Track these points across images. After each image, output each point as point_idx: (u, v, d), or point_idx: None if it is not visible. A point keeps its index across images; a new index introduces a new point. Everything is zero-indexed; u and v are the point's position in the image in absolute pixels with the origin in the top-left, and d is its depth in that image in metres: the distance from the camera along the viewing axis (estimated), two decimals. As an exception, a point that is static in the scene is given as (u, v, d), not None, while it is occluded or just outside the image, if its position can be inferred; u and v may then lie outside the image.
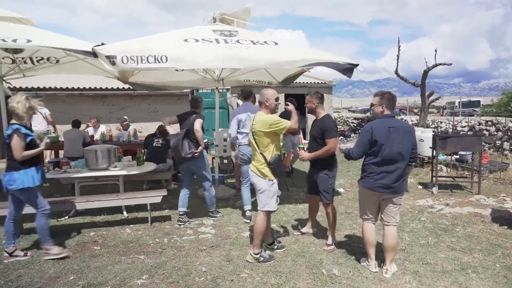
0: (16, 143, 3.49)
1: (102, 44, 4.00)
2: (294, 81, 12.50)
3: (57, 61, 5.60)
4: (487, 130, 10.29)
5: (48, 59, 5.53)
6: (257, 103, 4.36)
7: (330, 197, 3.99)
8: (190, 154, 4.69)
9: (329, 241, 4.07)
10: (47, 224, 3.79)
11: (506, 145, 9.21)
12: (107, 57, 3.75)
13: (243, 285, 3.26)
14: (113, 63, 3.75)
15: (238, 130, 5.11)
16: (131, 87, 7.84)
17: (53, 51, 4.75)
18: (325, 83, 14.53)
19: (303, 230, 4.49)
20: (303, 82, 14.14)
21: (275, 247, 3.97)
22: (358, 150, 3.40)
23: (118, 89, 11.01)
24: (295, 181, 7.34)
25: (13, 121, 3.56)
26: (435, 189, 6.47)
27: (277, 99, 3.72)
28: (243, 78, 7.47)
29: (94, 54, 3.85)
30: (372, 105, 3.49)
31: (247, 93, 5.36)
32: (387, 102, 3.37)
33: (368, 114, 18.59)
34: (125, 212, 5.22)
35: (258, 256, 3.68)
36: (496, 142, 9.52)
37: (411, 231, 4.58)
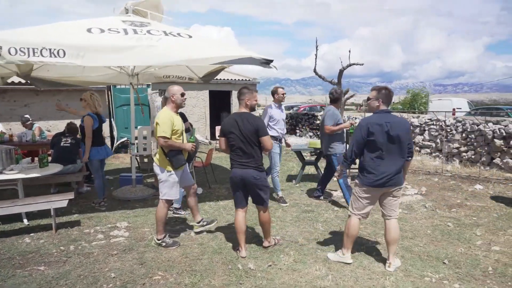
0: None
1: (-14, 31, 3.50)
2: (219, 78, 12.38)
3: None
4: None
5: None
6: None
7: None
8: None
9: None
10: None
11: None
12: (-10, 47, 3.28)
13: (155, 288, 3.12)
14: None
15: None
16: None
17: None
18: (249, 80, 14.72)
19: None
20: (228, 79, 14.15)
21: (205, 223, 4.26)
22: (356, 149, 3.35)
23: (20, 83, 9.80)
24: (217, 178, 7.29)
25: None
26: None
27: (182, 95, 3.87)
28: (163, 74, 7.18)
29: None
30: (368, 99, 3.44)
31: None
32: (384, 97, 3.33)
33: (291, 111, 19.23)
34: (25, 220, 4.67)
35: (160, 241, 3.92)
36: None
37: (324, 221, 4.83)
